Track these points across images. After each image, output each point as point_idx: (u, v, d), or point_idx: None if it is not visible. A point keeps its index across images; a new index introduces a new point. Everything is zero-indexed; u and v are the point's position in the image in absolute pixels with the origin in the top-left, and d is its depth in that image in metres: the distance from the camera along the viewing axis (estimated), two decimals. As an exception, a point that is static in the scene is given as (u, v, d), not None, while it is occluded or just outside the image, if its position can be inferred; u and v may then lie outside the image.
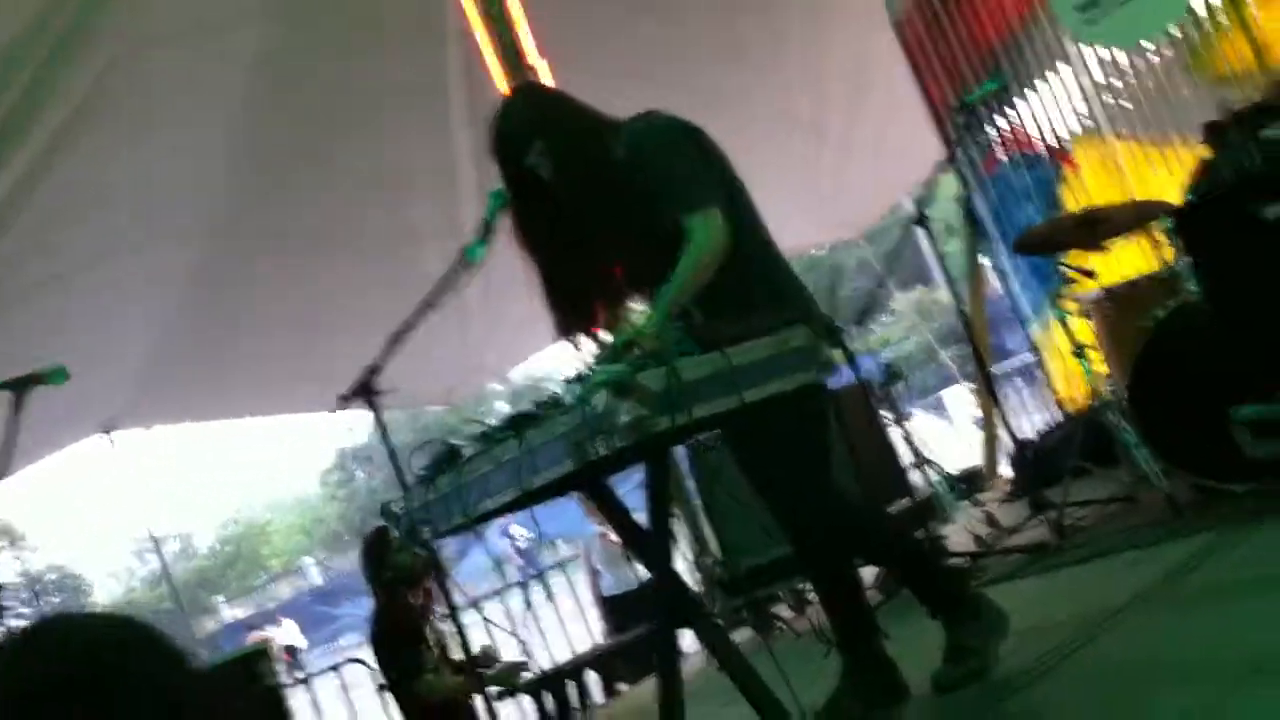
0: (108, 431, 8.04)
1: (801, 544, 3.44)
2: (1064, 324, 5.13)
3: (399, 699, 5.28)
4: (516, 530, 23.18)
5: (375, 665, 5.47)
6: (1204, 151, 3.92)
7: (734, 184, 3.25)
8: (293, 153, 6.70)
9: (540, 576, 11.34)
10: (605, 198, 3.17)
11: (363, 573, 5.48)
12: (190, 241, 6.80)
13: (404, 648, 5.24)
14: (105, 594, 45.73)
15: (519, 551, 22.51)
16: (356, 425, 44.02)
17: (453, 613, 4.88)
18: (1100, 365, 5.13)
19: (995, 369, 9.26)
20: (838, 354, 3.25)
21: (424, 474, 2.91)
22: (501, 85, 6.16)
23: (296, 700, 7.50)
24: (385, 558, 5.28)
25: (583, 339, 3.28)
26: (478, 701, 5.22)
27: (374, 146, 6.94)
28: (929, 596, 3.33)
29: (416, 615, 5.35)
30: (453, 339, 7.84)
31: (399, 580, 5.29)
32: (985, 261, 7.78)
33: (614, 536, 7.91)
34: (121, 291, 6.77)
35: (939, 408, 18.58)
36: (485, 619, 5.48)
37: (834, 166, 9.48)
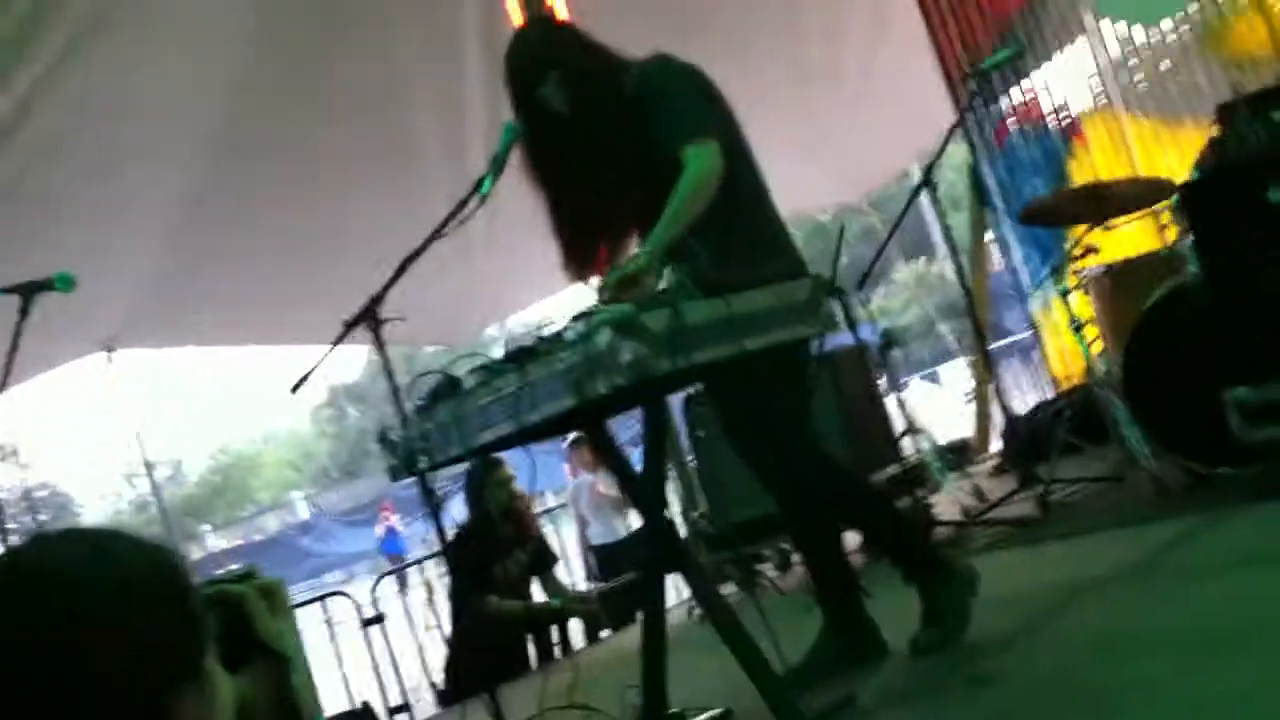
0: (109, 350, 7.87)
1: (782, 499, 3.48)
2: (1064, 299, 5.14)
3: (463, 614, 5.81)
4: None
5: (448, 576, 6.00)
6: (1214, 132, 3.90)
7: (737, 134, 3.26)
8: (301, 68, 6.57)
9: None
10: (615, 134, 3.19)
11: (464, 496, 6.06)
12: (195, 157, 6.67)
13: (478, 567, 5.74)
14: (93, 516, 45.76)
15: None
16: (350, 362, 44.07)
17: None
18: (1097, 343, 5.14)
19: (993, 346, 9.26)
20: (838, 313, 3.27)
21: (422, 404, 2.92)
22: (516, 17, 6.12)
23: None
24: (484, 488, 5.85)
25: (589, 275, 3.30)
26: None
27: (381, 66, 6.82)
28: (903, 560, 3.36)
29: (496, 544, 5.88)
30: (455, 277, 7.77)
31: (488, 512, 5.86)
32: (990, 235, 7.76)
33: (603, 488, 7.98)
34: (127, 207, 6.65)
35: (935, 381, 18.63)
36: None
37: (850, 116, 9.31)
